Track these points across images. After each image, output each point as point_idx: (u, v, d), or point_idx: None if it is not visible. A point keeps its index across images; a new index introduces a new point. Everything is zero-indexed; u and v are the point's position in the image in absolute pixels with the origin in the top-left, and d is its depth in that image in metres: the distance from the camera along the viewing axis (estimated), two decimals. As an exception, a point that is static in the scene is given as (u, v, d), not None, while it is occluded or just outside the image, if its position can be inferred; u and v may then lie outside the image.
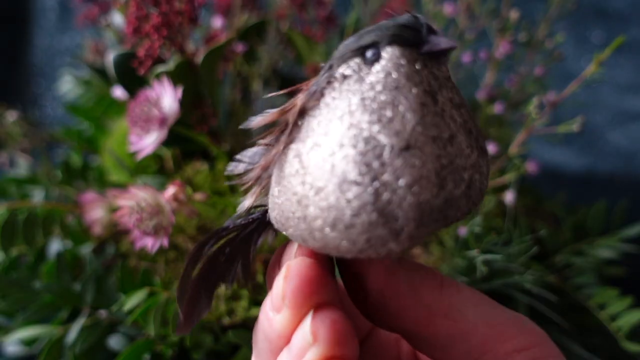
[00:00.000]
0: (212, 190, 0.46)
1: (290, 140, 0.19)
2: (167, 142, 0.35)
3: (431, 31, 0.18)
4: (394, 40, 0.17)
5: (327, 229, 0.17)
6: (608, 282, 0.40)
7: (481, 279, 0.35)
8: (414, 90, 0.17)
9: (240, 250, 0.23)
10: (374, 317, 0.21)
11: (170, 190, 0.31)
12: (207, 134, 0.40)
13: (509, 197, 0.39)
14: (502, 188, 0.41)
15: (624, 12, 0.68)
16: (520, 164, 0.38)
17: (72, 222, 0.44)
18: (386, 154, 0.16)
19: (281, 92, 0.20)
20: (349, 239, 0.17)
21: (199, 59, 0.37)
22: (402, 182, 0.16)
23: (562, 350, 0.22)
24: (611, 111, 0.68)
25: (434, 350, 0.21)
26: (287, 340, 0.19)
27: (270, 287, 0.20)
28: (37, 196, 0.47)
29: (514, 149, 0.39)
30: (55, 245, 0.43)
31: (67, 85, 0.62)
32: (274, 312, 0.19)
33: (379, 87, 0.17)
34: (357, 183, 0.16)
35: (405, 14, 0.18)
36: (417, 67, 0.17)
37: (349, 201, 0.17)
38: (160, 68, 0.36)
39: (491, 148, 0.40)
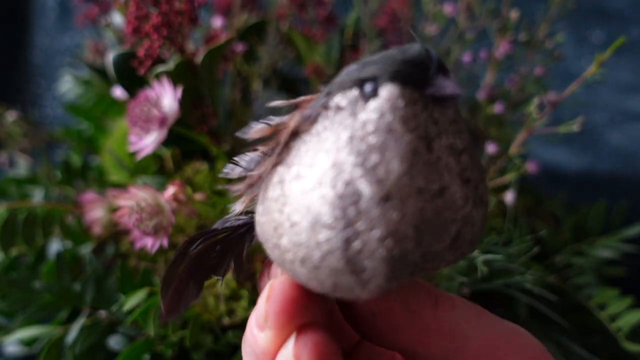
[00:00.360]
0: (212, 190, 0.46)
1: (278, 161, 0.18)
2: (167, 142, 0.35)
3: (441, 70, 0.16)
4: (395, 77, 0.16)
5: (297, 264, 0.17)
6: (608, 282, 0.40)
7: (481, 279, 0.35)
8: (407, 137, 0.16)
9: (230, 248, 0.23)
10: (366, 334, 0.20)
11: (170, 190, 0.31)
12: (207, 134, 0.40)
13: (509, 197, 0.39)
14: (502, 188, 0.41)
15: (624, 12, 0.68)
16: (520, 164, 0.38)
17: (72, 222, 0.44)
18: (364, 201, 0.15)
19: (282, 103, 0.19)
20: (317, 279, 0.17)
21: (199, 59, 0.37)
22: (375, 233, 0.15)
23: (562, 351, 0.22)
24: (611, 111, 0.68)
25: None
26: (272, 357, 0.19)
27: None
28: (37, 196, 0.47)
29: (514, 149, 0.39)
30: (55, 245, 0.43)
31: (67, 85, 0.62)
32: (257, 330, 0.19)
33: (370, 128, 0.16)
34: (329, 227, 0.16)
35: (417, 47, 0.17)
36: (416, 109, 0.16)
37: (318, 243, 0.16)
38: (160, 68, 0.36)
39: (491, 148, 0.40)
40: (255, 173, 0.20)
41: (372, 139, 0.16)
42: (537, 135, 0.37)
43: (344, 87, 0.17)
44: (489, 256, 0.33)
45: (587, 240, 0.41)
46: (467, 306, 0.21)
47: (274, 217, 0.17)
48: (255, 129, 0.19)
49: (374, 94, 0.16)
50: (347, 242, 0.16)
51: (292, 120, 0.18)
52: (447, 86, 0.16)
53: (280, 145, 0.18)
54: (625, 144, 0.67)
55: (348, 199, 0.16)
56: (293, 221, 0.17)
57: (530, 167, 0.38)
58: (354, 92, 0.17)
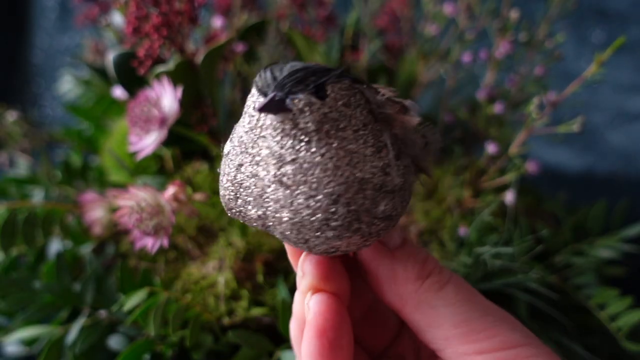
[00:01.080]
0: (212, 190, 0.46)
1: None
2: (167, 142, 0.35)
3: (277, 88, 0.20)
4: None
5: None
6: (608, 282, 0.40)
7: (482, 278, 0.35)
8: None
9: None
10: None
11: (171, 190, 0.31)
12: (207, 134, 0.40)
13: (509, 197, 0.39)
14: (503, 188, 0.41)
15: (624, 12, 0.68)
16: (520, 164, 0.38)
17: (72, 222, 0.44)
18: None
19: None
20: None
21: (199, 59, 0.37)
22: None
23: (562, 351, 0.22)
24: (611, 111, 0.68)
25: (410, 329, 0.24)
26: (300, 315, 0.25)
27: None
28: (37, 196, 0.47)
29: (514, 149, 0.39)
30: (55, 245, 0.43)
31: (67, 85, 0.62)
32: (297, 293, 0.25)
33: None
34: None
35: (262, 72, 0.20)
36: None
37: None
38: (160, 68, 0.36)
39: (491, 148, 0.40)
40: None
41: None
42: (537, 135, 0.37)
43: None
44: (499, 248, 0.33)
45: (587, 240, 0.41)
46: (457, 292, 0.23)
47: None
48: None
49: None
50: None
51: None
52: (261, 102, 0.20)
53: None
54: (626, 144, 0.67)
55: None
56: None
57: (530, 167, 0.38)
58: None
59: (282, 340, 0.35)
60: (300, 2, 0.50)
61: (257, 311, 0.37)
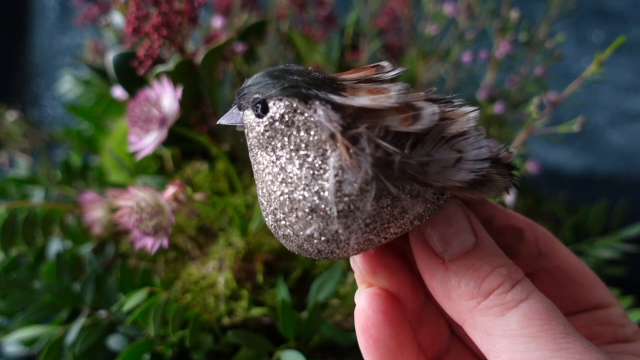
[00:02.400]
0: (212, 190, 0.46)
1: None
2: (167, 142, 0.35)
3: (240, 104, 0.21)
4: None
5: None
6: (608, 282, 0.40)
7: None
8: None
9: None
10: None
11: (170, 190, 0.31)
12: (207, 134, 0.40)
13: (509, 197, 0.39)
14: (502, 188, 0.41)
15: (624, 12, 0.68)
16: (520, 164, 0.38)
17: (71, 222, 0.44)
18: None
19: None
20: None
21: (199, 58, 0.37)
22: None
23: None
24: (611, 111, 0.68)
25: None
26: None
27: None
28: (37, 196, 0.47)
29: (514, 149, 0.39)
30: (55, 246, 0.43)
31: (67, 85, 0.62)
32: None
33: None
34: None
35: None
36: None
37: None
38: (160, 68, 0.36)
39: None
40: None
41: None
42: (537, 135, 0.37)
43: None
44: None
45: (587, 240, 0.41)
46: (528, 323, 0.19)
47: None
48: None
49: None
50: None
51: None
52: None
53: None
54: (626, 144, 0.67)
55: None
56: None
57: (531, 167, 0.38)
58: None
59: (282, 340, 0.35)
60: (300, 2, 0.50)
61: (257, 311, 0.37)
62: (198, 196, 0.33)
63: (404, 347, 0.23)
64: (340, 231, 0.19)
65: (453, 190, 0.20)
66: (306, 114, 0.19)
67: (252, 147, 0.21)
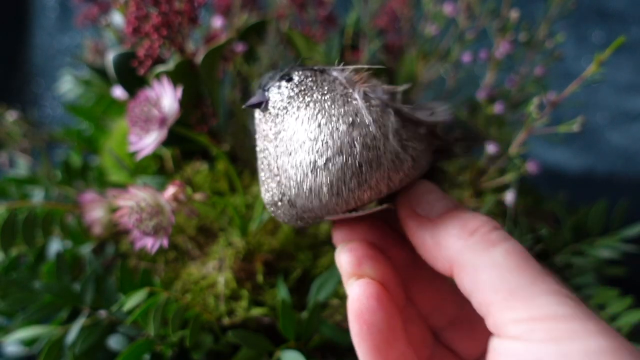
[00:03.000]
0: (212, 190, 0.46)
1: None
2: (167, 142, 0.35)
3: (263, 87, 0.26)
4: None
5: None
6: (608, 282, 0.40)
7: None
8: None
9: None
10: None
11: (170, 190, 0.31)
12: (207, 134, 0.40)
13: (509, 197, 0.39)
14: (502, 188, 0.41)
15: (624, 12, 0.68)
16: (520, 164, 0.38)
17: (71, 222, 0.44)
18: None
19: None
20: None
21: (199, 58, 0.37)
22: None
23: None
24: (611, 111, 0.68)
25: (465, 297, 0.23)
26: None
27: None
28: (37, 196, 0.47)
29: (514, 149, 0.39)
30: (55, 246, 0.43)
31: (67, 85, 0.62)
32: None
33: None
34: None
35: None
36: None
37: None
38: (160, 68, 0.36)
39: (491, 148, 0.40)
40: None
41: None
42: (537, 135, 0.37)
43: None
44: None
45: (587, 240, 0.41)
46: (505, 254, 0.22)
47: None
48: None
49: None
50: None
51: None
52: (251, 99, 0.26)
53: None
54: (626, 144, 0.67)
55: None
56: None
57: (531, 167, 0.38)
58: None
59: (282, 340, 0.35)
60: (300, 2, 0.50)
61: (257, 311, 0.37)
62: (198, 196, 0.33)
63: (396, 333, 0.24)
64: (377, 135, 0.23)
65: (432, 127, 0.27)
66: (325, 75, 0.25)
67: (279, 114, 0.25)
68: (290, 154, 0.24)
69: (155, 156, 0.48)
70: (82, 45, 0.64)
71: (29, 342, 0.40)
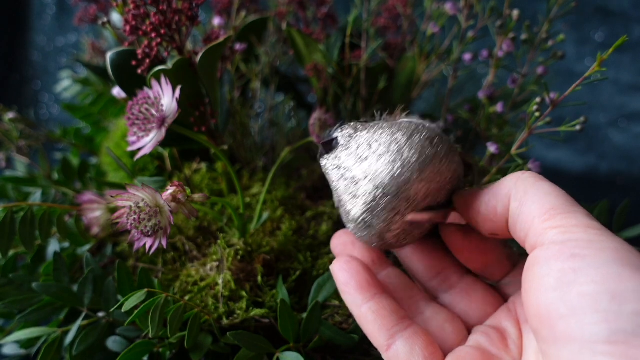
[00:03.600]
0: (210, 190, 0.45)
1: None
2: (166, 142, 0.35)
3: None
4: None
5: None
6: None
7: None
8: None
9: None
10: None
11: (169, 190, 0.30)
12: (206, 134, 0.40)
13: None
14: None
15: (627, 12, 0.68)
16: (522, 164, 0.38)
17: (70, 223, 0.43)
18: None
19: None
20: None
21: (198, 58, 0.37)
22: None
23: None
24: (614, 111, 0.68)
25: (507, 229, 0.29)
26: None
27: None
28: (35, 196, 0.47)
29: (515, 149, 0.38)
30: (53, 246, 0.42)
31: (65, 84, 0.62)
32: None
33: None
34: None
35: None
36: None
37: None
38: (159, 67, 0.36)
39: (492, 148, 0.39)
40: None
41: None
42: (539, 135, 0.37)
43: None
44: None
45: (589, 241, 0.41)
46: (552, 186, 0.27)
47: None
48: None
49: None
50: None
51: None
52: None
53: None
54: (628, 144, 0.67)
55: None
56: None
57: (532, 166, 0.38)
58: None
59: (281, 341, 0.35)
60: (299, 0, 0.50)
61: (256, 312, 0.37)
62: (197, 196, 0.33)
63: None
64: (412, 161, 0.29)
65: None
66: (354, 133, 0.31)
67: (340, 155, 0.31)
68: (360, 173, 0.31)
69: (154, 156, 0.48)
70: (81, 44, 0.64)
71: (26, 344, 0.39)
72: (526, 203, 0.27)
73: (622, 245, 0.23)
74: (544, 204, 0.26)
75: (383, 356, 0.30)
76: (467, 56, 0.44)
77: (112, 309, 0.34)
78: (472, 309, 0.32)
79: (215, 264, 0.39)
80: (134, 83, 0.36)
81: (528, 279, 0.25)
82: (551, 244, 0.24)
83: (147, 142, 0.33)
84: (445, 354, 0.30)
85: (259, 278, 0.38)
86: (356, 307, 0.31)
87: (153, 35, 0.34)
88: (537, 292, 0.24)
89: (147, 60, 0.35)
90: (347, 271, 0.32)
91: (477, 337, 0.31)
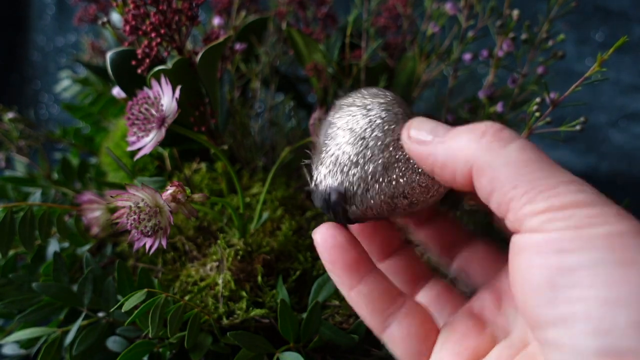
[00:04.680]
0: (210, 190, 0.45)
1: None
2: (166, 142, 0.35)
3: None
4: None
5: None
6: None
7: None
8: None
9: None
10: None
11: (169, 190, 0.30)
12: (206, 133, 0.40)
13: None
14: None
15: (627, 12, 0.68)
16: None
17: (69, 223, 0.43)
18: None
19: None
20: None
21: (198, 57, 0.37)
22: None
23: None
24: (615, 112, 0.68)
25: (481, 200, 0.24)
26: None
27: None
28: (35, 196, 0.47)
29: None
30: (53, 246, 0.42)
31: (65, 84, 0.62)
32: None
33: None
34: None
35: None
36: None
37: None
38: (159, 67, 0.36)
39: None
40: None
41: None
42: (539, 135, 0.37)
43: None
44: None
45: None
46: (520, 151, 0.22)
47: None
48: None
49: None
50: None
51: None
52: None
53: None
54: (629, 144, 0.67)
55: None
56: None
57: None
58: None
59: (281, 341, 0.35)
60: (299, 0, 0.50)
61: (256, 312, 0.37)
62: (197, 196, 0.33)
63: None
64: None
65: None
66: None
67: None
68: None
69: (154, 156, 0.48)
70: (80, 44, 0.64)
71: (26, 344, 0.39)
72: (496, 180, 0.22)
73: (615, 228, 0.20)
74: (519, 181, 0.22)
75: (379, 338, 0.29)
76: (467, 56, 0.44)
77: (112, 309, 0.34)
78: (476, 272, 0.31)
79: (215, 264, 0.39)
80: (133, 83, 0.36)
81: (513, 268, 0.22)
82: (532, 234, 0.21)
83: (147, 142, 0.33)
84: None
85: (259, 278, 0.38)
86: (345, 290, 0.29)
87: (153, 35, 0.34)
88: (523, 289, 0.21)
89: (147, 60, 0.35)
90: (332, 248, 0.28)
91: (471, 304, 0.29)
